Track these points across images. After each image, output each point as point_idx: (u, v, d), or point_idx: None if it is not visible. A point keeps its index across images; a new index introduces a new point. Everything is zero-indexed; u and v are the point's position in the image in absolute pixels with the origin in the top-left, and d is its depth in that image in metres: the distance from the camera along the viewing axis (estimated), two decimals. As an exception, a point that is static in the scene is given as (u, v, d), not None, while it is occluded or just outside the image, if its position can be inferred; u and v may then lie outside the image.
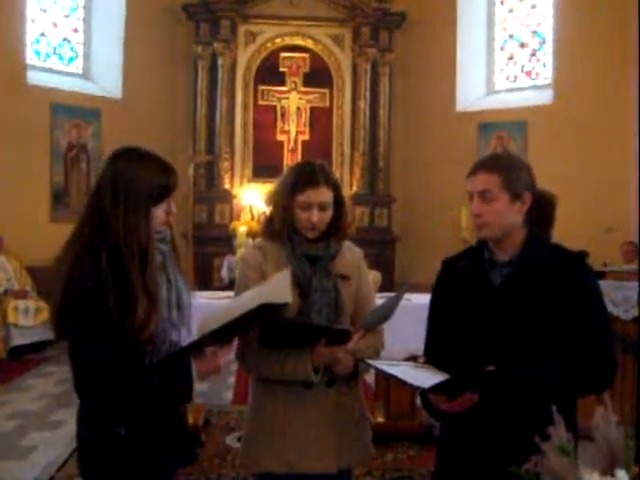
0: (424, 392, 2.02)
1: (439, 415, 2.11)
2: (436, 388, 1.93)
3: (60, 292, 1.88)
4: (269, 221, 2.45)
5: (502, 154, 2.38)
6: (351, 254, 2.51)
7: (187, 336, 2.08)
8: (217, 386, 6.69)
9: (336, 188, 2.39)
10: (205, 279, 10.50)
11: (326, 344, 2.22)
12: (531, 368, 1.94)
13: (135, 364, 1.88)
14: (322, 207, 2.34)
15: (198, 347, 1.93)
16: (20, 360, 7.73)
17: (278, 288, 2.03)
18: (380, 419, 5.04)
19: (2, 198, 8.86)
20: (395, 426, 4.96)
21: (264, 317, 2.07)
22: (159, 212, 1.98)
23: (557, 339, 2.01)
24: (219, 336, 1.93)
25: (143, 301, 1.85)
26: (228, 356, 2.00)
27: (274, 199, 2.42)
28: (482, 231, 2.12)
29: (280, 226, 2.38)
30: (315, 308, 2.31)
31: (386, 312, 2.34)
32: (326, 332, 2.26)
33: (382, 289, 5.30)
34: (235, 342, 2.01)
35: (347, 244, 2.51)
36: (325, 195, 2.34)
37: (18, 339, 7.95)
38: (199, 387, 6.14)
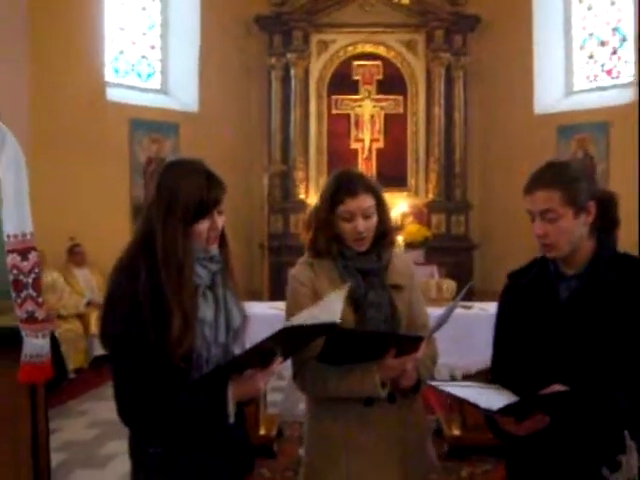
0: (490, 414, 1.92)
1: (505, 437, 1.98)
2: (505, 410, 1.83)
3: (102, 309, 1.89)
4: (314, 240, 2.37)
5: (557, 165, 2.08)
6: (400, 261, 2.42)
7: None
8: (290, 397, 6.67)
9: (376, 193, 2.31)
10: (281, 288, 10.49)
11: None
12: (603, 389, 1.81)
13: (172, 383, 1.84)
14: (365, 214, 2.26)
15: (238, 369, 1.87)
16: (100, 370, 7.91)
17: (328, 308, 1.94)
18: (456, 432, 4.91)
19: (84, 212, 9.10)
20: (472, 439, 4.80)
21: (310, 338, 2.00)
22: (201, 228, 1.91)
23: (629, 357, 1.87)
24: (254, 359, 1.86)
25: (178, 319, 1.81)
26: (268, 378, 1.92)
27: (315, 217, 2.36)
28: (550, 252, 2.00)
29: (324, 244, 2.31)
30: (372, 324, 2.22)
31: (443, 318, 2.23)
32: (399, 341, 2.14)
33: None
34: (277, 364, 1.90)
35: (392, 251, 2.42)
36: (366, 201, 2.26)
37: (99, 349, 8.14)
38: (272, 398, 6.13)
